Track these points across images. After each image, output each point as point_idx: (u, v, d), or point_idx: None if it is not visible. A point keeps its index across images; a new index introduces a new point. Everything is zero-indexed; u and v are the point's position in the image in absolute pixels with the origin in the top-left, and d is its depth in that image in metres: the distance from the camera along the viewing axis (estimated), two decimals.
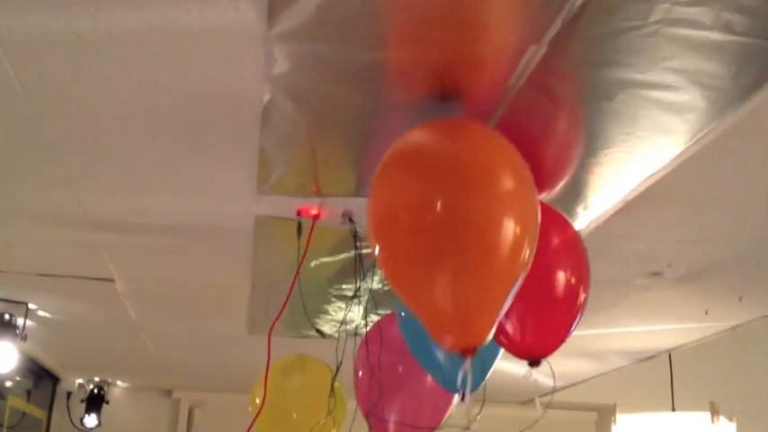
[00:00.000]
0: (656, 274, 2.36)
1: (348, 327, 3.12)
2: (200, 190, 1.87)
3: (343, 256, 2.40)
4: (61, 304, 3.08)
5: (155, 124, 1.56)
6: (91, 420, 5.43)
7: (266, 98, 1.41)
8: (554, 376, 1.89)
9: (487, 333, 1.24)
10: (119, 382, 5.63)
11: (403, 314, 1.96)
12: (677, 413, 3.63)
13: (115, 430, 5.57)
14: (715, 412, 3.43)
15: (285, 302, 1.89)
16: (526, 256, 1.23)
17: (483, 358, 1.88)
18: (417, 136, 1.31)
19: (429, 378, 2.15)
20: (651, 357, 3.86)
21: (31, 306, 3.10)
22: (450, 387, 1.92)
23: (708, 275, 2.39)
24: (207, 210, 1.98)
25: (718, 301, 2.70)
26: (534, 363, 1.72)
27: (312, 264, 2.50)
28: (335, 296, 2.72)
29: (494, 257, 1.20)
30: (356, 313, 2.90)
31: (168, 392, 5.81)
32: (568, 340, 1.71)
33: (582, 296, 1.81)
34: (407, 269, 1.26)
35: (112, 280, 2.63)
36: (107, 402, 5.52)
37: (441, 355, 1.90)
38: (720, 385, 4.23)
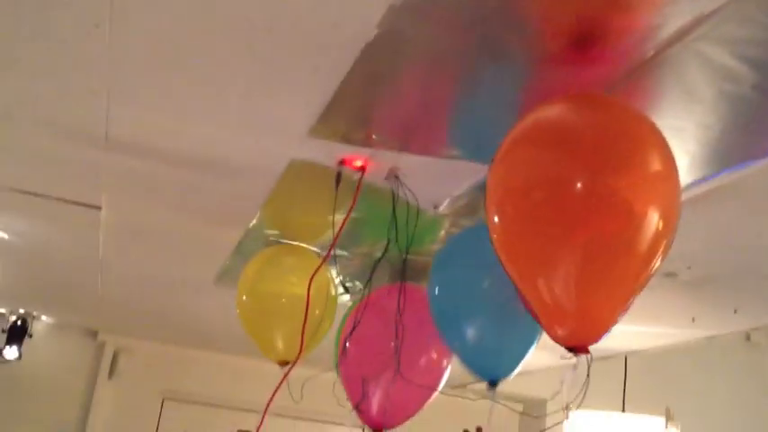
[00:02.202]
0: (670, 274, 2.34)
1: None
2: (246, 122, 1.71)
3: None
4: (26, 225, 2.85)
5: (227, 37, 1.38)
6: (11, 352, 5.17)
7: (375, 32, 1.28)
8: None
9: (605, 332, 1.16)
10: (44, 317, 5.36)
11: (436, 291, 1.88)
12: (630, 414, 3.67)
13: (35, 365, 5.31)
14: (669, 418, 3.48)
15: (329, 253, 1.77)
16: (662, 254, 1.14)
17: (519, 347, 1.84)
18: (557, 107, 1.21)
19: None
20: (608, 357, 3.89)
21: None
22: (475, 370, 1.87)
23: (716, 283, 2.39)
24: (243, 145, 1.82)
25: (710, 310, 2.71)
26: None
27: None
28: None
29: (630, 248, 1.11)
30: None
31: (94, 334, 5.58)
32: None
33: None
34: (529, 248, 1.17)
35: (99, 208, 2.44)
36: (30, 336, 5.26)
37: (469, 339, 1.85)
38: (671, 392, 4.31)
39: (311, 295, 1.98)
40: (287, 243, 2.54)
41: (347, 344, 2.14)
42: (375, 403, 2.17)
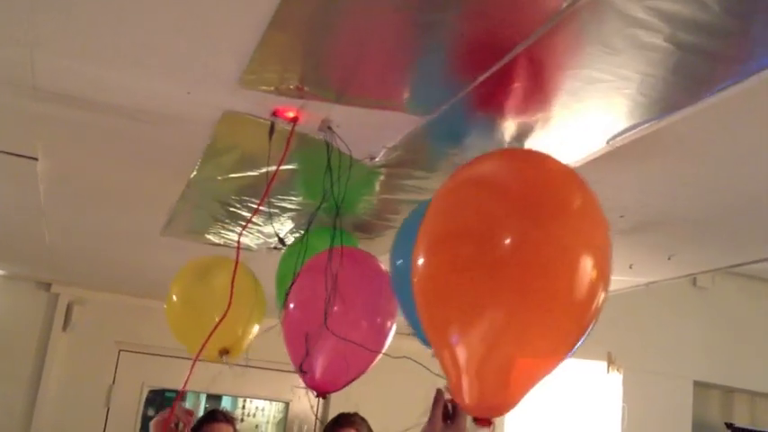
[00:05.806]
0: None
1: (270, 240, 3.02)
2: (175, 70, 1.69)
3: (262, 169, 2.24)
4: None
5: None
6: None
7: None
8: None
9: (511, 407, 1.20)
10: None
11: (398, 262, 1.92)
12: (574, 359, 3.77)
13: None
14: (611, 362, 3.59)
15: (257, 209, 1.77)
16: (591, 319, 1.23)
17: None
18: (495, 160, 1.33)
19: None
20: None
21: None
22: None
23: (649, 232, 2.45)
24: (174, 94, 1.80)
25: (646, 257, 2.77)
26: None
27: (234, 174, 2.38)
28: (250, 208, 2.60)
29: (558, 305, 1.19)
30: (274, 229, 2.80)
31: (47, 286, 5.52)
32: None
33: None
34: (450, 300, 1.20)
35: (35, 158, 2.40)
36: None
37: None
38: (615, 337, 4.42)
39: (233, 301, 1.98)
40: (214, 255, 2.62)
41: (288, 302, 2.13)
42: (317, 365, 2.13)
